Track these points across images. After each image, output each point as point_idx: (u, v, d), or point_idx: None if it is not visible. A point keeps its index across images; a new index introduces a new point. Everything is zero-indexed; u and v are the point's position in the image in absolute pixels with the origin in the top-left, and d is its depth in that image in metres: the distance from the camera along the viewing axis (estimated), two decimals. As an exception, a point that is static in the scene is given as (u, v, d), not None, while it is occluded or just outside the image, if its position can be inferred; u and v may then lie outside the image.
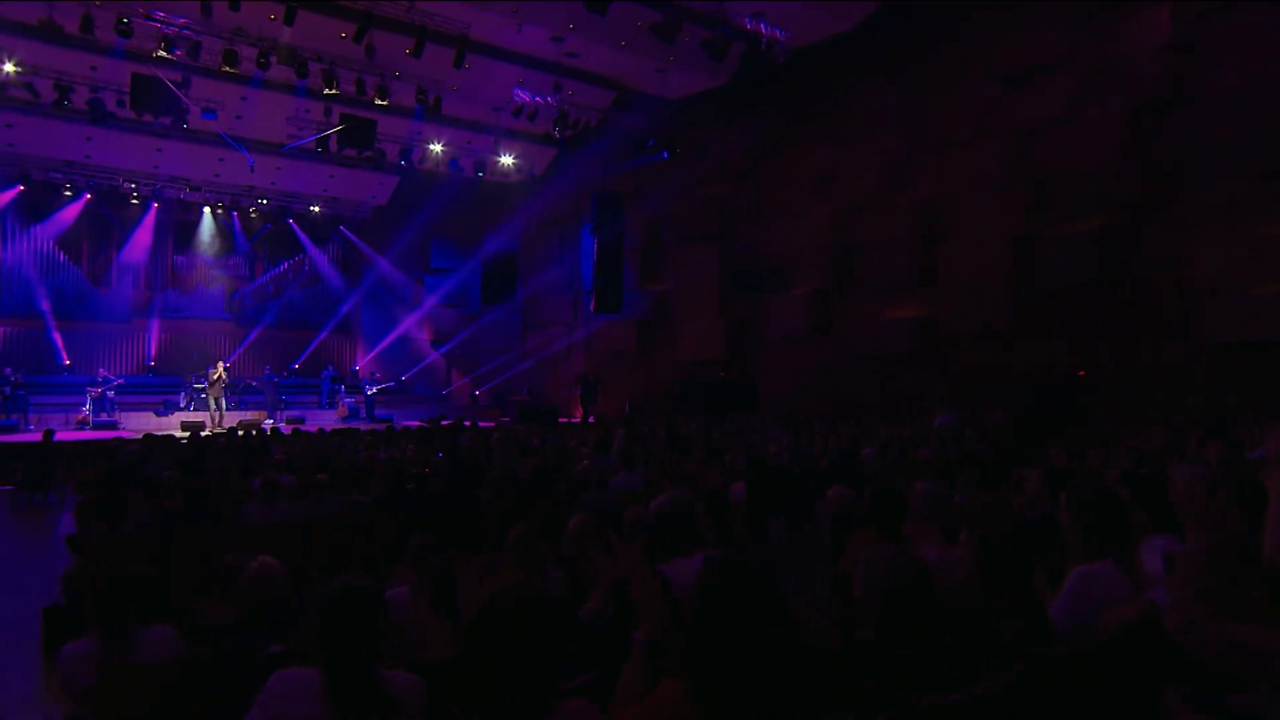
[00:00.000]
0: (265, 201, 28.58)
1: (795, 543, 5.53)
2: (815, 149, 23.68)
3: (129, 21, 17.41)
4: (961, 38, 20.56)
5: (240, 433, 15.28)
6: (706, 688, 2.22)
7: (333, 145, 22.97)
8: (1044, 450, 9.75)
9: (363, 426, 20.78)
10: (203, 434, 18.71)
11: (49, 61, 19.19)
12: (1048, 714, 2.55)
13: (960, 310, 20.15)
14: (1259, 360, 15.40)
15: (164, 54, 18.28)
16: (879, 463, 9.90)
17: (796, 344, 23.91)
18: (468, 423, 19.11)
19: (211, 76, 19.74)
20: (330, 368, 28.26)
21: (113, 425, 21.77)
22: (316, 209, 29.45)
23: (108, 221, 26.76)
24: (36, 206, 25.49)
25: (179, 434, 18.54)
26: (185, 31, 18.30)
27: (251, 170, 24.96)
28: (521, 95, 23.09)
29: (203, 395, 23.49)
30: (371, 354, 30.19)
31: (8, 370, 21.82)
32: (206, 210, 28.34)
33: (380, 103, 21.41)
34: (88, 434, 20.31)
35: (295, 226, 29.61)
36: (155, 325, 27.55)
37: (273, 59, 19.31)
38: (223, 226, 28.80)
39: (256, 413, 24.42)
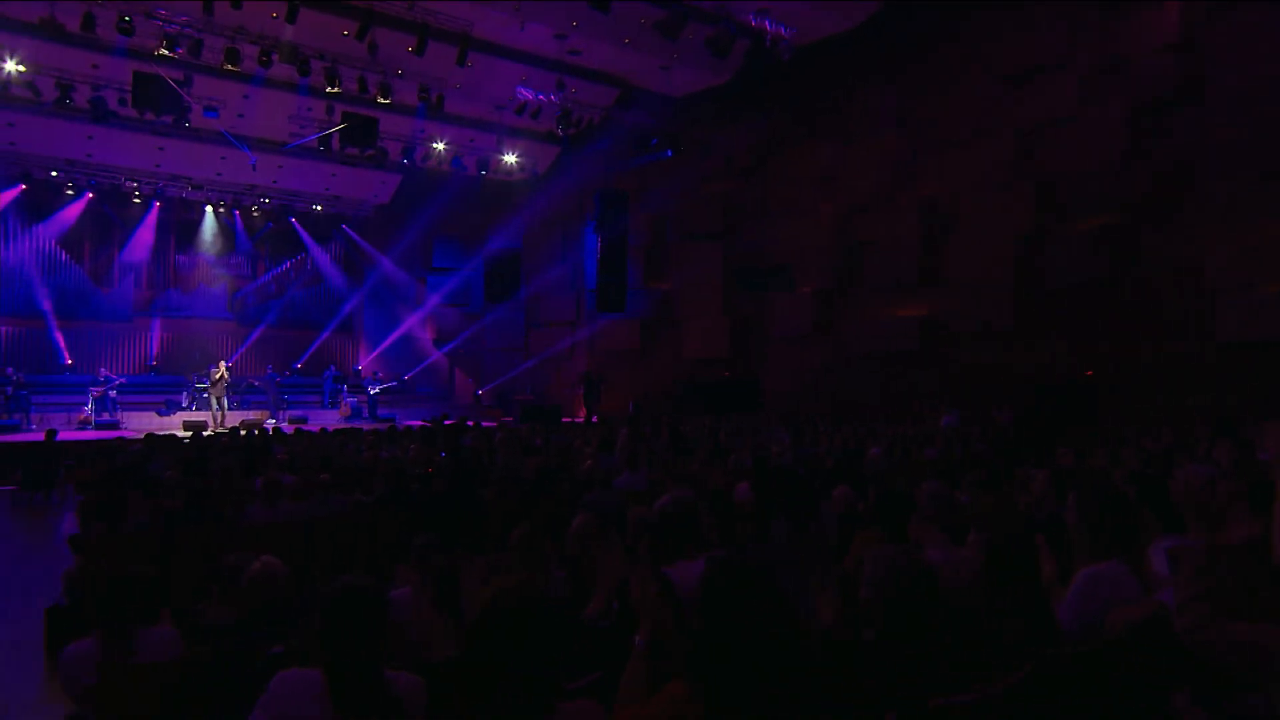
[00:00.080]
0: (267, 200, 28.60)
1: (799, 543, 5.50)
2: (819, 147, 23.64)
3: (131, 20, 17.40)
4: (965, 36, 20.54)
5: (242, 432, 15.28)
6: (711, 688, 2.21)
7: (335, 144, 22.93)
8: (1050, 450, 9.73)
9: (365, 426, 20.77)
10: (205, 434, 18.69)
11: (51, 60, 19.18)
12: (1056, 715, 2.54)
13: (964, 309, 20.13)
14: (1265, 359, 15.33)
15: (166, 52, 18.27)
16: (883, 463, 9.88)
17: (800, 343, 23.89)
18: (471, 422, 19.07)
19: (213, 75, 19.73)
20: (333, 367, 28.22)
21: (115, 425, 21.76)
22: (319, 208, 29.46)
23: (109, 220, 26.77)
24: (38, 206, 25.50)
25: (181, 434, 18.53)
26: (187, 29, 18.30)
27: (253, 169, 24.97)
28: (524, 93, 23.07)
29: (205, 395, 23.48)
30: (374, 353, 30.17)
31: (10, 370, 21.81)
32: (208, 209, 28.36)
33: (383, 101, 21.41)
34: (90, 434, 20.31)
35: (297, 225, 29.60)
36: (157, 324, 27.59)
37: (275, 57, 19.31)
38: (225, 225, 28.81)
39: (259, 412, 24.42)
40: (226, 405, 23.01)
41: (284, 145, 24.19)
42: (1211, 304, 16.29)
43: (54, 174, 24.84)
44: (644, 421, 18.58)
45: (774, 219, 24.74)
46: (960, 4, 20.31)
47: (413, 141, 24.88)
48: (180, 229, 28.24)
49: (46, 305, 25.23)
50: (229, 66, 19.00)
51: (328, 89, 20.54)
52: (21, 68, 18.84)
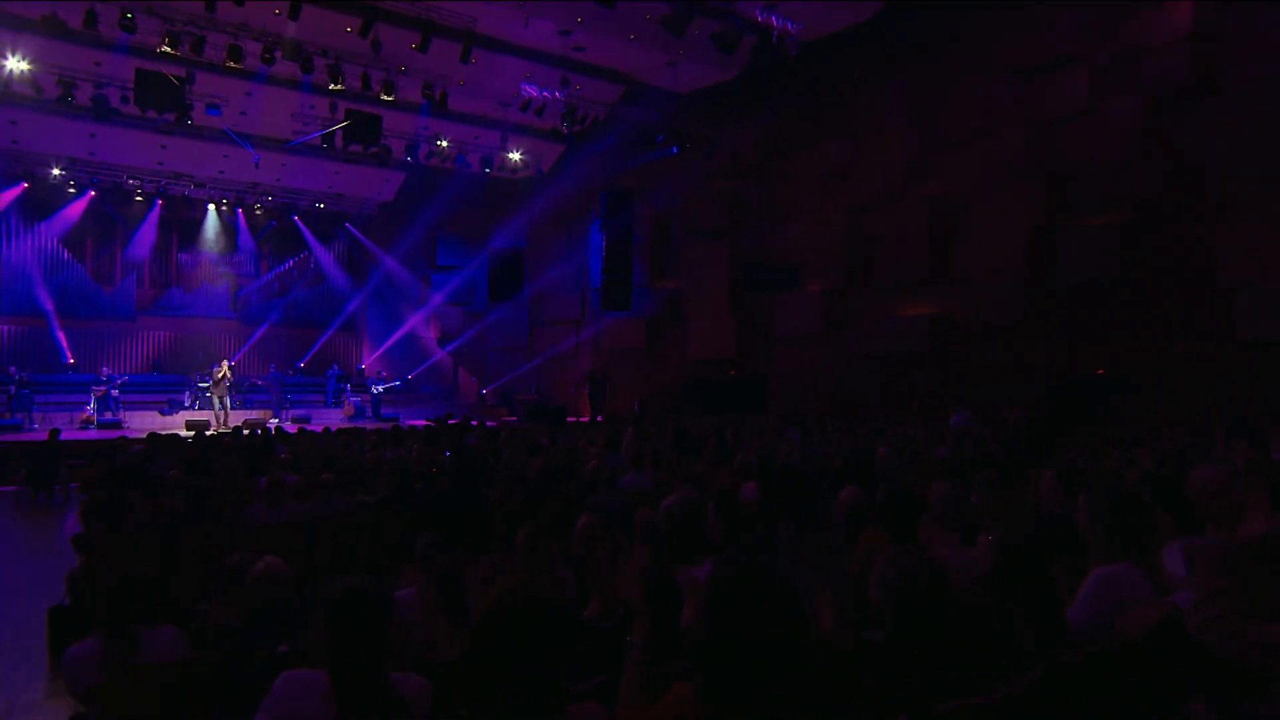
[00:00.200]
0: (270, 198, 28.62)
1: (806, 544, 5.47)
2: (827, 143, 23.52)
3: (133, 17, 17.37)
4: (975, 30, 20.35)
5: (245, 432, 15.28)
6: (717, 690, 2.19)
7: (338, 141, 22.89)
8: (1062, 450, 9.69)
9: (369, 425, 20.80)
10: (207, 433, 18.70)
11: (53, 57, 19.15)
12: (1068, 718, 2.51)
13: (974, 308, 19.98)
14: (1280, 358, 15.21)
15: (168, 49, 18.24)
16: (892, 462, 9.85)
17: (808, 342, 23.76)
18: (475, 422, 19.07)
19: (216, 72, 19.68)
20: (336, 366, 28.25)
21: (117, 424, 21.79)
22: (322, 206, 29.46)
23: (112, 219, 26.78)
24: (40, 204, 25.50)
25: (184, 433, 18.54)
26: (189, 27, 18.27)
27: (256, 167, 24.94)
28: (529, 90, 23.02)
29: (207, 394, 23.50)
30: (377, 352, 30.17)
31: (12, 369, 21.85)
32: (211, 207, 28.37)
33: (386, 98, 21.35)
34: (92, 433, 20.35)
35: (300, 224, 29.58)
36: (159, 323, 27.59)
37: (277, 54, 19.26)
38: (227, 224, 28.81)
39: (262, 412, 24.44)
40: (229, 405, 23.04)
41: (287, 143, 24.16)
42: (1225, 301, 16.09)
43: (56, 172, 24.83)
44: (649, 421, 18.54)
45: (781, 217, 24.62)
46: (970, -4, 20.16)
47: (416, 139, 24.83)
48: (182, 227, 28.24)
49: (48, 304, 25.28)
50: (231, 64, 18.95)
51: (331, 86, 20.51)
52: (24, 65, 18.83)
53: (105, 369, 23.76)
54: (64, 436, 16.17)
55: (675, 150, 25.75)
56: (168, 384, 25.65)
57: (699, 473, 9.12)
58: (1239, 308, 15.88)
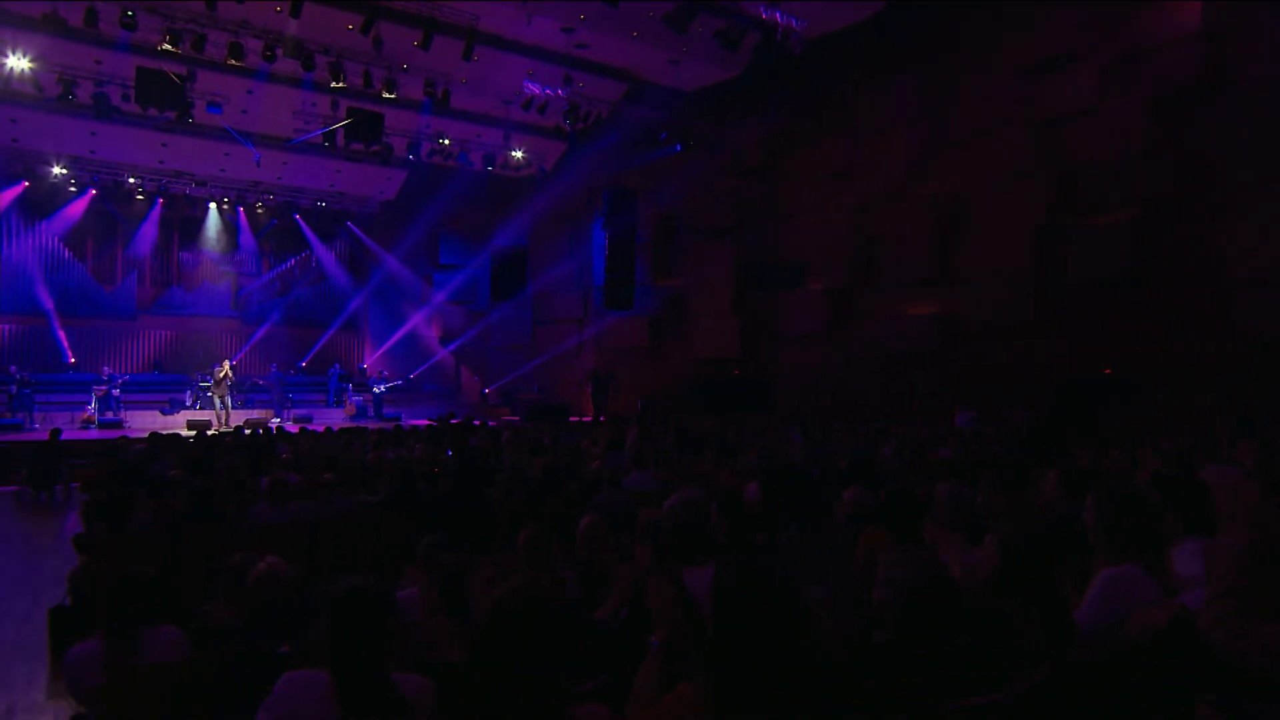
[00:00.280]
0: (271, 197, 28.61)
1: (811, 544, 5.46)
2: (832, 142, 23.44)
3: (134, 15, 17.38)
4: (980, 27, 20.27)
5: (247, 431, 15.27)
6: (723, 691, 2.19)
7: (340, 139, 22.88)
8: (1069, 450, 9.66)
9: (371, 425, 20.78)
10: (209, 433, 18.70)
11: (53, 55, 19.13)
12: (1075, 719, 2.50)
13: (981, 306, 19.88)
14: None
15: (169, 47, 18.24)
16: (896, 462, 9.83)
17: (811, 341, 23.70)
18: (477, 421, 19.06)
19: (217, 70, 19.67)
20: (338, 365, 28.25)
21: (118, 424, 21.79)
22: (323, 204, 29.45)
23: (112, 218, 26.78)
24: (41, 203, 25.49)
25: (185, 433, 18.54)
26: (190, 24, 18.28)
27: (257, 165, 24.95)
28: (531, 88, 22.99)
29: (209, 394, 23.50)
30: (379, 351, 30.17)
31: (13, 369, 21.87)
32: (212, 206, 28.36)
33: (388, 96, 21.34)
34: (94, 433, 20.36)
35: (302, 222, 29.58)
36: (161, 323, 27.61)
37: (279, 52, 19.26)
38: (228, 222, 28.81)
39: (263, 411, 24.44)
40: (230, 404, 23.04)
41: (288, 141, 24.16)
42: (1234, 300, 16.00)
43: (57, 171, 24.82)
44: (653, 421, 18.52)
45: (784, 215, 24.56)
46: (975, -7, 20.07)
47: (418, 137, 24.83)
48: (184, 226, 28.23)
49: (49, 303, 25.27)
50: (232, 62, 18.94)
51: (332, 84, 20.49)
52: (25, 63, 18.82)
53: (106, 368, 23.77)
54: (65, 436, 16.16)
55: (678, 148, 25.71)
56: (169, 383, 25.66)
57: (703, 472, 9.09)
58: (1246, 306, 15.80)
